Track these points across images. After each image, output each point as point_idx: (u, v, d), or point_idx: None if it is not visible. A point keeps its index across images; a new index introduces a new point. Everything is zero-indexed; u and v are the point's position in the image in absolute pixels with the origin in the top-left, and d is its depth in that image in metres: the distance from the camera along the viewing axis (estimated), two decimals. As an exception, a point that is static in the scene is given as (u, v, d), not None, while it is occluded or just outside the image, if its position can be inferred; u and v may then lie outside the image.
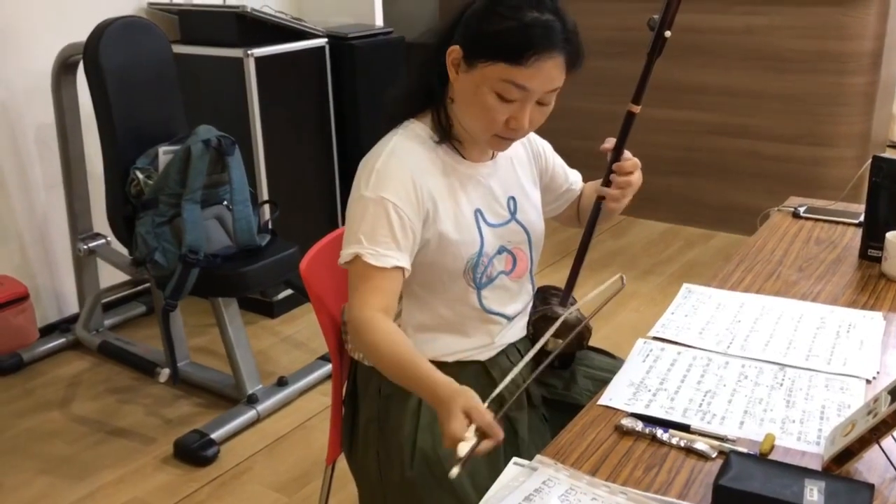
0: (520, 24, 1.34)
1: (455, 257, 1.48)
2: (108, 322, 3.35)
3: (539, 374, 1.64)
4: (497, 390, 1.26)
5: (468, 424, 1.14)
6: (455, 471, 1.09)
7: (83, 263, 3.17)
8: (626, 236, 4.35)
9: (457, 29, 1.44)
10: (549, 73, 1.36)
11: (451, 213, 1.47)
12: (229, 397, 2.82)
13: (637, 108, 1.57)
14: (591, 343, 1.69)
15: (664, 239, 4.31)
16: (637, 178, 1.59)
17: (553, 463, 1.19)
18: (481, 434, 1.14)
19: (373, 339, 1.36)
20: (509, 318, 1.60)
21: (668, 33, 1.51)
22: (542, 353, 1.38)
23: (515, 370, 1.33)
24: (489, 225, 1.53)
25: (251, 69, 3.13)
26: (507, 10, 1.36)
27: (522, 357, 1.39)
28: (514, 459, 1.20)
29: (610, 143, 1.58)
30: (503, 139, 1.45)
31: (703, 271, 3.45)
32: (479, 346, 1.56)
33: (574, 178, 1.78)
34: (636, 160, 1.58)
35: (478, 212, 1.51)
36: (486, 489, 1.16)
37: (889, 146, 5.36)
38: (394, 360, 1.34)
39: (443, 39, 1.45)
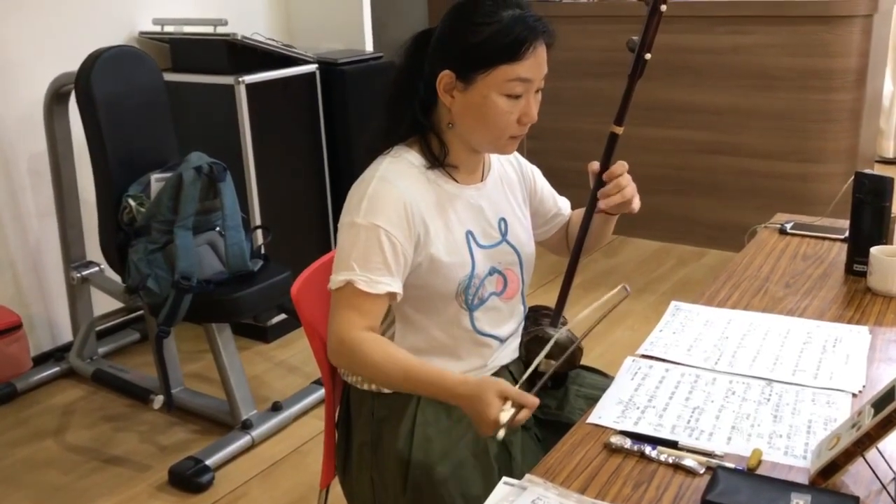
0: (503, 25, 1.41)
1: (447, 279, 1.49)
2: (102, 350, 3.35)
3: (534, 394, 1.66)
4: (523, 378, 1.38)
5: (503, 404, 1.29)
6: (501, 433, 1.27)
7: (77, 291, 3.17)
8: (619, 255, 4.37)
9: (426, 58, 1.47)
10: (541, 59, 1.45)
11: (441, 236, 1.49)
12: (224, 423, 2.82)
13: (620, 130, 1.59)
14: (586, 362, 1.70)
15: (657, 257, 4.33)
16: (628, 180, 1.57)
17: (542, 482, 1.20)
18: (518, 406, 1.29)
19: (371, 356, 1.40)
20: (501, 340, 1.61)
21: (648, 56, 1.53)
22: (536, 374, 1.39)
23: (518, 385, 1.36)
24: (480, 246, 1.54)
25: (242, 96, 3.16)
26: (484, 18, 1.42)
27: (516, 380, 1.41)
28: (504, 479, 1.21)
29: (595, 165, 1.59)
30: (516, 139, 1.51)
31: (696, 289, 3.44)
32: (471, 368, 1.57)
33: (563, 203, 1.80)
34: (623, 163, 1.57)
35: (469, 233, 1.53)
36: (481, 509, 1.17)
37: (877, 161, 5.40)
38: (400, 372, 1.39)
39: (411, 72, 1.50)
